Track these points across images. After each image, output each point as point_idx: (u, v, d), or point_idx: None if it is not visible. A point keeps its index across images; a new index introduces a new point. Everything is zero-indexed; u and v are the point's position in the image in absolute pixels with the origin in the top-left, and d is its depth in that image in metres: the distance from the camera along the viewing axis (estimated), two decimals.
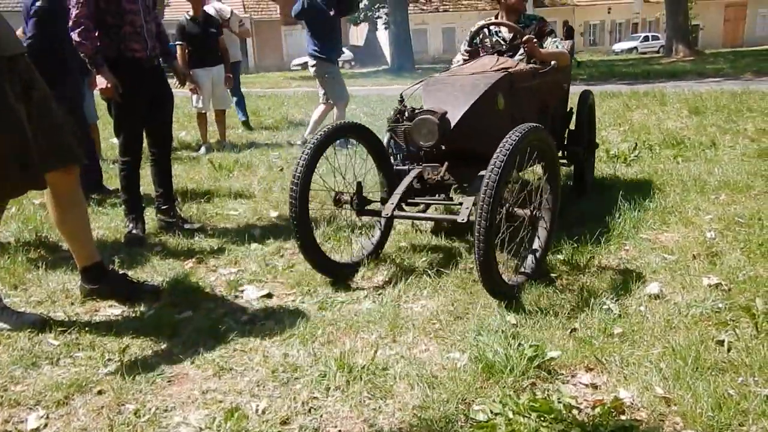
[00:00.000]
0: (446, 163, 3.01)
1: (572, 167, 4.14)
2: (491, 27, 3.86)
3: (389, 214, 2.86)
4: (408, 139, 3.11)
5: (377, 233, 3.20)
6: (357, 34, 43.01)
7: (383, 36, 34.07)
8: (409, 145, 3.17)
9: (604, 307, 2.43)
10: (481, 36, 3.86)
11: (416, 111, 3.08)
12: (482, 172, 2.51)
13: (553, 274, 2.83)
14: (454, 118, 2.92)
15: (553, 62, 3.62)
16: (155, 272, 3.05)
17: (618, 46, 42.64)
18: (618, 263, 2.97)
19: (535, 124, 2.61)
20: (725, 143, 5.58)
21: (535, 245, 2.79)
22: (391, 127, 3.31)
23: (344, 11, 6.37)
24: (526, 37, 3.61)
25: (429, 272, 2.92)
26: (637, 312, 2.40)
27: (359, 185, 3.04)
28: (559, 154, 3.83)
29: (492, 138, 2.61)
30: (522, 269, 2.74)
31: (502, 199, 2.42)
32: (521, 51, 3.72)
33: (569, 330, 2.27)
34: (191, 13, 6.50)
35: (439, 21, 40.97)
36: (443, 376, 2.01)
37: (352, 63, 37.59)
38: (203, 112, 6.88)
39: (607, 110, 7.81)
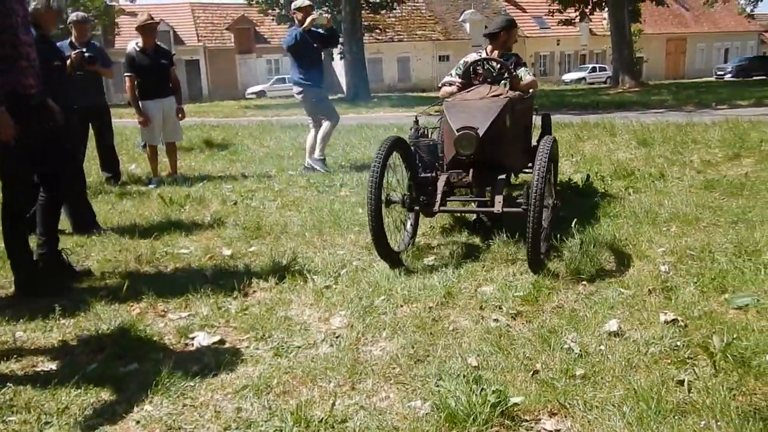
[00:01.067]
0: (471, 170, 3.76)
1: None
2: (484, 61, 4.47)
3: (437, 210, 3.67)
4: (431, 151, 4.04)
5: (410, 228, 3.93)
6: None
7: (339, 65, 34.30)
8: (430, 156, 4.02)
9: (565, 346, 2.41)
10: (473, 67, 4.45)
11: (431, 130, 4.37)
12: (501, 176, 3.65)
13: (512, 312, 2.80)
14: (479, 134, 3.53)
15: (531, 90, 4.48)
16: (99, 320, 2.89)
17: (567, 77, 44.05)
18: (576, 298, 2.97)
19: (552, 137, 3.72)
20: (673, 175, 5.72)
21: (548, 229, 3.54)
22: (414, 143, 4.09)
23: (327, 44, 6.87)
24: (515, 73, 4.34)
25: (387, 312, 2.86)
26: (597, 351, 2.38)
27: (410, 187, 3.78)
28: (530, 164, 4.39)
29: (502, 149, 3.71)
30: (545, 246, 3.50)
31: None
32: (504, 81, 4.33)
33: (531, 372, 2.23)
34: (141, 44, 6.36)
35: (394, 50, 41.57)
36: (404, 427, 1.93)
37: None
38: (153, 144, 6.71)
39: (560, 140, 7.95)
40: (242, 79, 40.81)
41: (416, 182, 3.81)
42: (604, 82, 42.30)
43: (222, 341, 2.65)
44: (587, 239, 3.65)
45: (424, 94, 31.42)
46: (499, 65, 4.36)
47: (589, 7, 28.46)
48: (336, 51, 29.17)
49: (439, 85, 4.71)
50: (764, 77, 38.72)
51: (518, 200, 3.61)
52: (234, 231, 4.47)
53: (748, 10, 39.63)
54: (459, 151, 3.56)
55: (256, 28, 40.87)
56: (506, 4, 47.12)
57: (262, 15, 28.82)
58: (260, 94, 37.05)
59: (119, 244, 4.21)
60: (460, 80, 4.41)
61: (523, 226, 3.29)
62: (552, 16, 31.24)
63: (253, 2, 25.69)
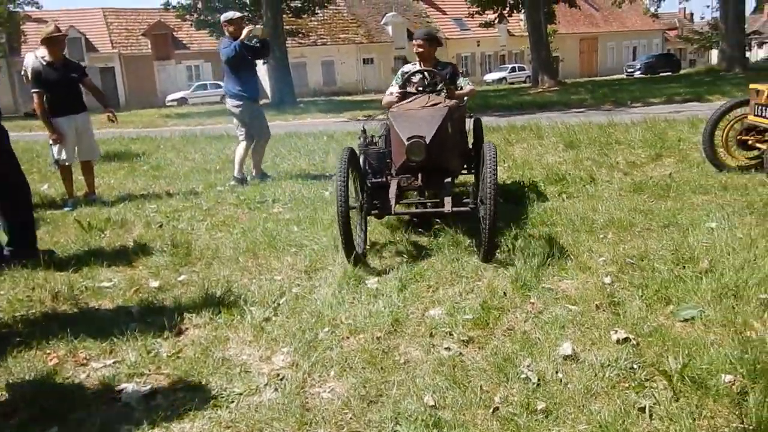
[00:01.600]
0: (420, 174, 4.06)
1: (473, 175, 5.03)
2: (422, 72, 4.86)
3: (393, 213, 3.96)
4: (379, 158, 4.36)
5: (361, 233, 4.08)
6: None
7: (262, 70, 33.72)
8: (379, 163, 4.35)
9: (522, 375, 2.33)
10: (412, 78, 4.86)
11: (378, 138, 4.78)
12: (447, 179, 4.09)
13: (463, 338, 2.70)
14: (426, 142, 3.77)
15: (465, 98, 5.04)
16: (9, 374, 2.58)
17: (489, 77, 45.07)
18: (526, 318, 2.91)
19: (492, 142, 3.93)
20: (602, 178, 5.83)
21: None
22: (364, 150, 4.38)
23: (260, 56, 6.75)
24: (457, 83, 4.95)
25: (333, 345, 2.71)
26: (555, 378, 2.31)
27: (366, 193, 4.05)
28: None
29: (446, 154, 4.05)
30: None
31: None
32: (442, 90, 4.70)
33: (491, 408, 2.13)
34: (48, 57, 5.90)
35: (317, 54, 41.26)
36: None
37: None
38: (67, 164, 6.25)
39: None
40: (161, 86, 39.42)
41: (369, 188, 4.14)
42: (524, 82, 43.59)
43: (153, 393, 2.41)
44: (529, 252, 3.62)
45: (350, 98, 31.40)
46: (435, 76, 4.79)
47: (507, 9, 29.16)
48: None
49: (385, 97, 5.05)
50: (670, 72, 41.01)
51: (464, 200, 4.04)
52: (161, 258, 4.18)
53: (652, 9, 41.63)
54: (410, 158, 3.82)
55: (174, 33, 39.57)
56: (427, 6, 47.72)
57: (179, 20, 27.89)
58: (181, 101, 35.89)
59: (32, 280, 3.85)
60: (399, 90, 4.82)
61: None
62: (472, 17, 31.81)
63: (170, 7, 24.80)
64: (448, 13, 48.26)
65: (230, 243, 4.50)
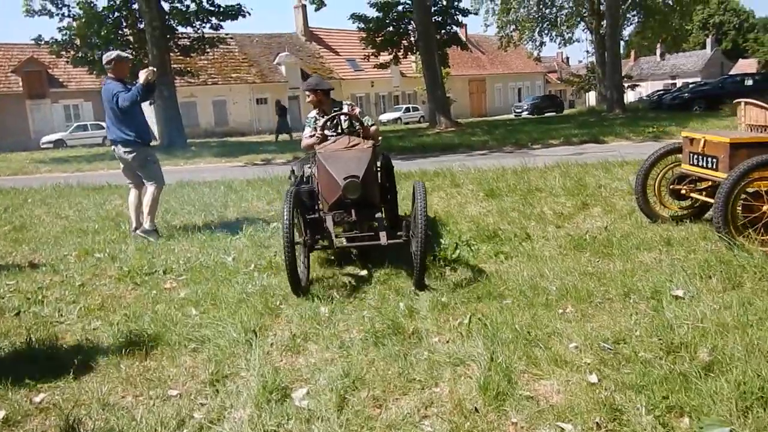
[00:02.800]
0: (353, 210, 4.38)
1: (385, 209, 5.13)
2: (341, 116, 5.25)
3: (337, 246, 4.33)
4: (311, 196, 4.68)
5: (305, 268, 4.32)
6: None
7: (148, 111, 31.93)
8: (311, 201, 4.68)
9: None
10: (330, 122, 5.18)
11: (309, 176, 5.03)
12: (378, 214, 4.52)
13: None
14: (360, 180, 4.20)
15: (380, 138, 5.53)
16: None
17: (384, 117, 45.45)
18: None
19: (421, 181, 4.32)
20: (536, 233, 5.39)
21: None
22: (296, 190, 4.41)
23: (146, 98, 6.10)
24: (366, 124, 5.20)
25: None
26: None
27: (309, 231, 4.38)
28: None
29: (374, 190, 4.55)
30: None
31: None
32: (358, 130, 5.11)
33: None
34: None
35: (208, 94, 39.80)
36: None
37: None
38: None
39: (407, 196, 7.46)
40: (35, 126, 36.25)
41: (307, 224, 4.45)
42: (418, 121, 44.38)
43: None
44: (488, 337, 3.00)
45: (244, 139, 30.28)
46: (352, 118, 5.22)
47: (402, 51, 29.47)
48: None
49: (304, 139, 5.32)
50: (554, 113, 43.30)
51: (399, 233, 4.36)
52: (12, 369, 3.16)
53: (535, 53, 43.89)
54: (347, 195, 4.25)
55: (49, 70, 36.71)
56: (320, 47, 47.72)
57: (54, 57, 25.80)
58: (58, 143, 33.11)
59: None
60: (320, 132, 5.07)
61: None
62: (367, 60, 31.95)
63: (43, 42, 22.79)
64: (341, 53, 48.50)
65: (109, 338, 3.55)
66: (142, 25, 21.67)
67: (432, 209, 6.70)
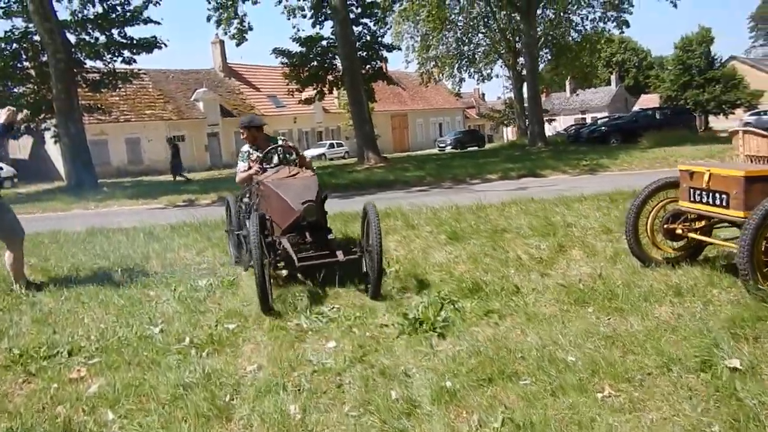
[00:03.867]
0: (307, 232, 4.87)
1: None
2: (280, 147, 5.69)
3: (300, 265, 4.63)
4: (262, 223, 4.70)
5: (269, 287, 4.51)
6: (19, 146, 36.90)
7: (53, 149, 29.54)
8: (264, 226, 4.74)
9: None
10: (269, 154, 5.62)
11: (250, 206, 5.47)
12: (329, 235, 5.04)
13: None
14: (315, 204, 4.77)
15: (313, 166, 6.01)
16: None
17: (308, 153, 44.44)
18: None
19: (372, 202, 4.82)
20: (522, 284, 4.67)
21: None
22: (260, 214, 4.79)
23: (3, 135, 5.41)
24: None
25: None
26: None
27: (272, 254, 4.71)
28: None
29: (323, 212, 5.06)
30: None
31: None
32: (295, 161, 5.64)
33: None
34: None
35: (121, 131, 37.58)
36: None
37: (15, 180, 31.74)
38: None
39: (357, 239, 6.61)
40: None
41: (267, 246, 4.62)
42: (343, 157, 43.83)
43: None
44: None
45: (162, 178, 28.51)
46: (291, 150, 5.73)
47: (327, 86, 28.89)
48: (49, 133, 24.95)
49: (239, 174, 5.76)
50: (477, 147, 43.92)
51: (353, 249, 4.79)
52: None
53: (455, 89, 44.56)
54: (306, 219, 4.67)
55: None
56: (239, 83, 46.53)
57: None
58: None
59: None
60: (259, 166, 5.49)
61: None
62: (291, 95, 31.17)
63: None
64: (262, 90, 47.45)
65: None
66: (45, 58, 19.94)
67: (390, 255, 5.88)
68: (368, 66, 27.77)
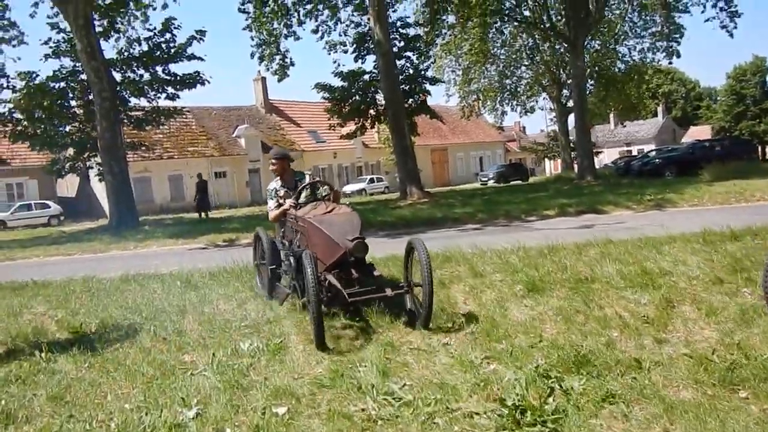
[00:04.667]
0: (353, 268, 4.79)
1: None
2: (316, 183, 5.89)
3: (351, 300, 4.67)
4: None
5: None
6: (66, 184, 37.47)
7: (99, 187, 29.74)
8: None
9: None
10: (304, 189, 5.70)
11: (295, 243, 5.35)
12: (375, 272, 4.95)
13: None
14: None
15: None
16: None
17: (348, 188, 44.19)
18: None
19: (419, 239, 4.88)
20: (638, 354, 3.75)
21: None
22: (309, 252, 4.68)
23: None
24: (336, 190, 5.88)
25: None
26: None
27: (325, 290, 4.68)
28: None
29: (366, 248, 4.72)
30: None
31: None
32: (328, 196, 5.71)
33: None
34: None
35: (164, 168, 37.88)
36: None
37: (61, 218, 32.03)
38: None
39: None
40: None
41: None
42: (383, 192, 43.28)
43: None
44: None
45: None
46: (325, 185, 5.78)
47: (369, 120, 28.46)
48: (93, 171, 25.03)
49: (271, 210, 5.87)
50: (520, 181, 42.82)
51: (400, 284, 4.95)
52: None
53: (498, 123, 43.83)
54: (356, 255, 4.63)
55: None
56: (280, 119, 46.75)
57: None
58: None
59: None
60: (293, 201, 5.48)
61: None
62: (333, 130, 30.87)
63: None
64: (302, 125, 47.57)
65: None
66: (91, 96, 19.97)
67: (460, 309, 5.03)
68: (411, 99, 27.24)
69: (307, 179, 5.84)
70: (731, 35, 27.19)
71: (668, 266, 5.89)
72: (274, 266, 5.59)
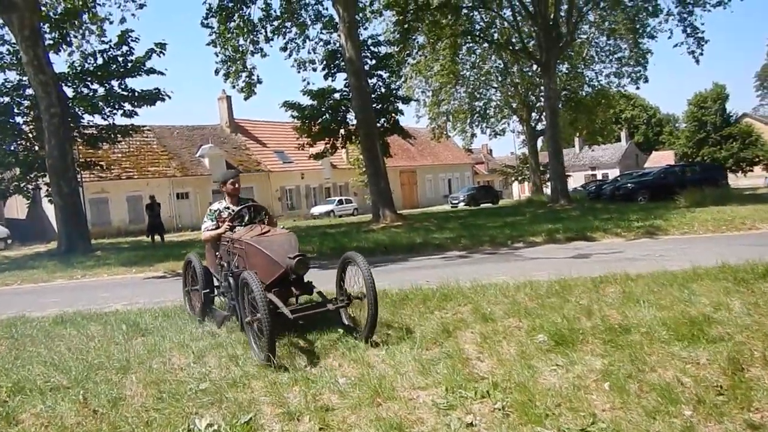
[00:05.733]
0: (292, 285, 4.95)
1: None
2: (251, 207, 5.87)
3: (293, 317, 4.70)
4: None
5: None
6: (17, 205, 35.33)
7: (51, 208, 27.96)
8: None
9: None
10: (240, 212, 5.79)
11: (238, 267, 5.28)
12: (315, 288, 5.07)
13: None
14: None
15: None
16: None
17: (316, 210, 43.09)
18: None
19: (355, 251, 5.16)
20: None
21: None
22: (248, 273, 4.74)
23: None
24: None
25: None
26: None
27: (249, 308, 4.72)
28: None
29: (307, 266, 4.87)
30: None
31: None
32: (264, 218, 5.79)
33: None
34: None
35: (122, 189, 36.15)
36: None
37: (8, 241, 30.00)
38: None
39: (430, 333, 4.73)
40: None
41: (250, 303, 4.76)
42: (352, 214, 42.29)
43: None
44: None
45: (167, 237, 26.74)
46: (260, 208, 5.86)
47: (339, 140, 27.50)
48: (43, 191, 23.36)
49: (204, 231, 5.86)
50: (491, 204, 42.33)
51: (340, 298, 5.03)
52: None
53: (468, 145, 43.35)
54: (298, 272, 4.76)
55: None
56: (246, 139, 45.45)
57: None
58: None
59: None
60: (229, 224, 5.62)
61: None
62: (303, 149, 29.79)
63: None
64: (268, 145, 46.36)
65: None
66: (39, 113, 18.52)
67: (476, 367, 4.00)
68: (383, 119, 26.40)
69: (249, 201, 6.01)
70: (697, 61, 27.12)
71: (709, 311, 4.99)
72: (207, 290, 5.74)
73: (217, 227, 5.70)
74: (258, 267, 4.81)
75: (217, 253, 5.71)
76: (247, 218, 5.71)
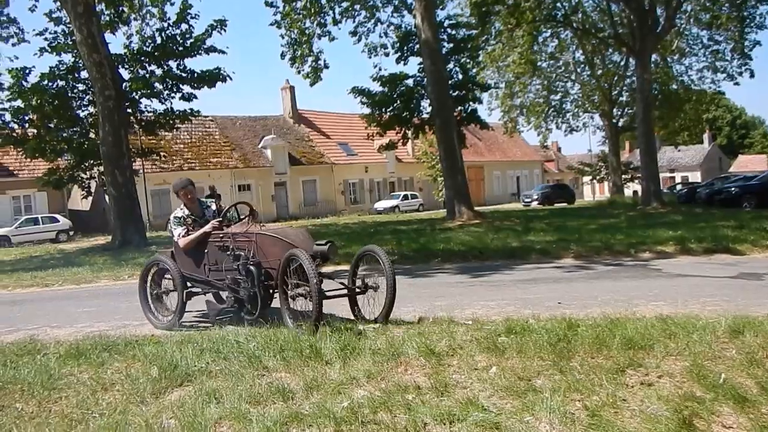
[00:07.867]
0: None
1: None
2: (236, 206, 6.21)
3: (327, 297, 4.92)
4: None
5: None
6: (80, 196, 34.94)
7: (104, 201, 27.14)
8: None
9: None
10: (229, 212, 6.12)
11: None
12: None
13: None
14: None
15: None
16: None
17: (379, 205, 41.30)
18: None
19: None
20: None
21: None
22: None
23: None
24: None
25: None
26: None
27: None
28: None
29: (337, 251, 5.31)
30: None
31: None
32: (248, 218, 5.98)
33: None
34: None
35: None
36: None
37: (71, 233, 29.45)
38: None
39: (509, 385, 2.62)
40: None
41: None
42: (417, 210, 40.27)
43: None
44: None
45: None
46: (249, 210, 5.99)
47: (411, 130, 25.46)
48: (97, 181, 22.35)
49: (180, 235, 5.92)
50: (565, 203, 39.44)
51: (354, 286, 5.34)
52: None
53: (544, 141, 40.56)
54: (329, 257, 5.13)
55: None
56: (309, 130, 44.06)
57: None
58: (1, 240, 27.97)
59: None
60: (216, 222, 5.79)
61: None
62: (371, 139, 27.94)
63: None
64: (332, 137, 44.80)
65: None
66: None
67: None
68: (460, 108, 24.17)
69: (213, 206, 6.20)
70: None
71: None
72: (187, 290, 5.83)
73: (188, 232, 5.87)
74: (273, 255, 5.17)
75: (205, 251, 5.78)
76: (233, 216, 6.12)
